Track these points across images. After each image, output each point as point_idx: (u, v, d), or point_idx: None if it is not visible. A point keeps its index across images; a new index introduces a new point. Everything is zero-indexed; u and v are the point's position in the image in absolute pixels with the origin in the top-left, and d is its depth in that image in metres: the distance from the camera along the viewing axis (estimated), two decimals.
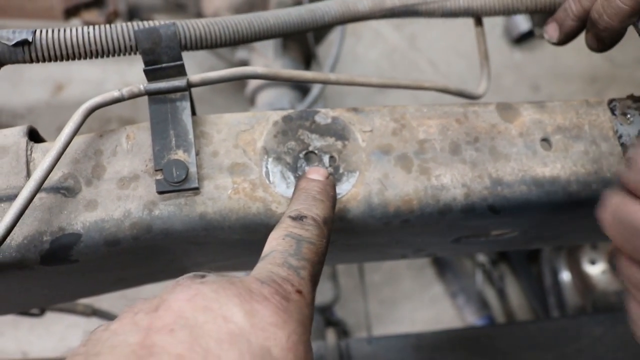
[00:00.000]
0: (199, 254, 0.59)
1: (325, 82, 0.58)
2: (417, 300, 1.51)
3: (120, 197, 0.52)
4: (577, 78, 1.63)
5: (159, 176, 0.51)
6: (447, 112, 0.57)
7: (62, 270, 0.54)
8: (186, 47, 0.57)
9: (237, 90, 1.39)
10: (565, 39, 0.62)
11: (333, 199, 0.50)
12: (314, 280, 0.43)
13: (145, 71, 0.53)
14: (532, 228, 0.62)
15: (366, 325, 1.41)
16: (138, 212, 0.51)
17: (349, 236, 0.57)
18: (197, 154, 0.53)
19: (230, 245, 0.56)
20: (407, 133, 0.55)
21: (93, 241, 0.51)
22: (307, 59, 1.33)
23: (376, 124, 0.55)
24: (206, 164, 0.53)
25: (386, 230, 0.56)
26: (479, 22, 0.69)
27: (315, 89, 1.23)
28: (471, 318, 1.48)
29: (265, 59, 1.24)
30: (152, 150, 0.51)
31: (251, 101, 1.29)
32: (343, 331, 1.27)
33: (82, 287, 0.67)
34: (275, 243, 0.44)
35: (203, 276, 0.41)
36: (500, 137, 0.56)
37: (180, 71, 0.53)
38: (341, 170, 0.53)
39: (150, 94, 0.52)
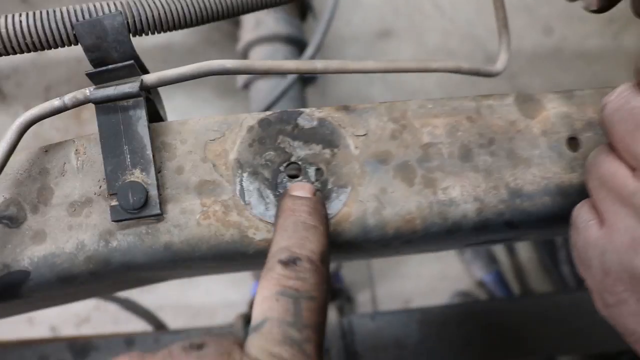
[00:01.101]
0: (174, 273, 0.50)
1: (310, 73, 0.47)
2: (423, 256, 1.44)
3: (71, 226, 0.43)
4: (592, 19, 1.47)
5: (114, 202, 0.42)
6: (457, 108, 0.46)
7: (19, 302, 0.47)
8: (142, 32, 0.46)
9: (229, 46, 1.26)
10: (607, 5, 0.49)
11: (325, 220, 0.40)
12: (320, 351, 0.34)
13: (88, 75, 0.42)
14: (556, 232, 0.53)
15: (370, 284, 1.35)
16: (93, 243, 0.42)
17: (338, 255, 0.48)
18: (158, 171, 0.43)
19: (209, 268, 0.48)
20: (408, 136, 0.45)
21: (44, 278, 0.42)
22: (303, 11, 1.19)
23: (371, 126, 0.45)
24: (170, 183, 0.43)
25: (384, 250, 0.47)
26: None
27: (314, 41, 1.10)
28: (479, 273, 1.41)
29: (257, 13, 1.11)
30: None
31: (243, 56, 1.17)
32: (347, 297, 1.21)
33: (58, 301, 0.59)
34: (267, 307, 0.35)
35: (200, 346, 0.33)
36: (519, 137, 0.46)
37: (133, 71, 0.42)
38: (330, 186, 0.43)
39: (96, 102, 0.42)
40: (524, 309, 0.90)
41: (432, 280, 1.41)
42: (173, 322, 1.11)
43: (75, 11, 0.43)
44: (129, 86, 0.42)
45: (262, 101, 1.07)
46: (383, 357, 0.87)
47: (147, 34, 0.46)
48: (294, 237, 0.37)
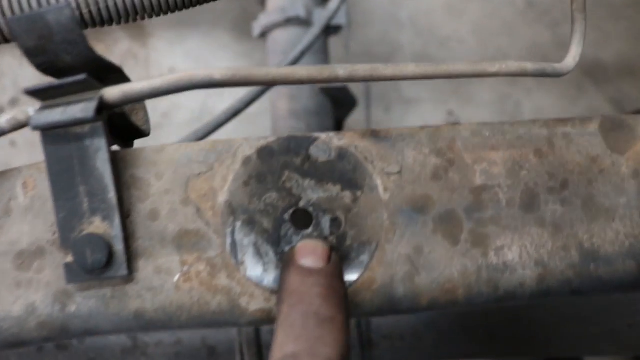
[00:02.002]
0: None
1: (326, 81, 0.34)
2: None
3: (19, 282, 0.32)
4: None
5: (69, 258, 0.31)
6: (523, 137, 0.33)
7: None
8: (104, 23, 0.33)
9: None
10: None
11: (345, 302, 0.29)
12: None
13: (29, 92, 0.30)
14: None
15: None
16: (46, 307, 0.32)
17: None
18: (126, 216, 0.32)
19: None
20: (456, 175, 0.32)
21: None
22: None
23: (408, 160, 0.33)
24: (141, 232, 0.32)
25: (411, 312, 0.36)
26: None
27: None
28: None
29: None
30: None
31: (261, 3, 1.01)
32: None
33: None
34: None
35: None
36: (602, 180, 0.33)
37: (89, 83, 0.30)
38: (349, 242, 0.32)
39: (41, 128, 0.30)
40: (555, 304, 0.79)
41: None
42: None
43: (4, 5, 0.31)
44: (82, 108, 0.29)
45: (280, 54, 0.93)
46: (400, 346, 0.79)
47: (110, 25, 0.34)
48: (303, 337, 0.27)
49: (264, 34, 0.98)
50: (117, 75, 0.35)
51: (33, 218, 0.33)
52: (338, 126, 1.00)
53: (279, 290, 0.29)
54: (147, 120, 0.39)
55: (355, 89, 0.98)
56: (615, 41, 1.26)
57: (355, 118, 1.02)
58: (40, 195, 0.33)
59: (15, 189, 0.33)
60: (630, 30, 1.26)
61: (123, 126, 0.36)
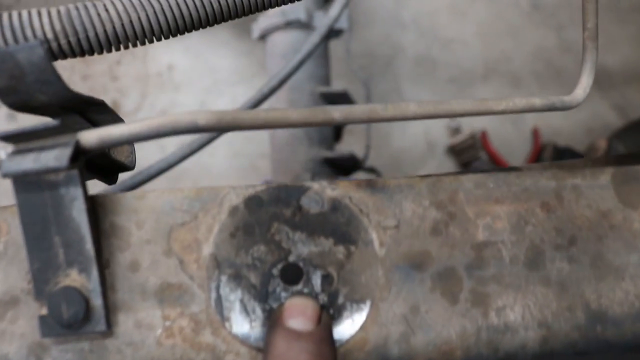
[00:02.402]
0: None
1: (320, 124, 0.31)
2: None
3: None
4: None
5: (43, 311, 0.29)
6: (529, 189, 0.30)
7: None
8: (84, 54, 0.31)
9: None
10: None
11: None
12: None
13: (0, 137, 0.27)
14: None
15: None
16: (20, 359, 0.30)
17: None
18: (105, 266, 0.29)
19: None
20: (457, 230, 0.30)
21: None
22: None
23: (406, 213, 0.30)
24: (121, 284, 0.30)
25: None
26: None
27: None
28: None
29: None
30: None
31: None
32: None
33: None
34: None
35: None
36: (612, 236, 0.30)
37: (65, 127, 0.28)
38: (341, 300, 0.30)
39: (12, 176, 0.27)
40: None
41: None
42: None
43: None
44: (56, 156, 0.27)
45: (279, 57, 0.90)
46: None
47: (91, 55, 0.31)
48: None
49: (263, 37, 0.95)
50: (98, 107, 0.33)
51: (6, 265, 0.30)
52: (337, 132, 0.97)
53: (263, 352, 0.27)
54: (131, 153, 0.36)
55: (356, 93, 0.95)
56: (621, 46, 1.22)
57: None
58: (14, 241, 0.30)
59: None
60: (636, 35, 1.22)
61: (104, 163, 0.33)
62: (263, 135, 0.94)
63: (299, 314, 0.27)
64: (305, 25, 0.90)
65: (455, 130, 1.18)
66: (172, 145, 1.13)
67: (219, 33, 1.19)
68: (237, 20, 0.36)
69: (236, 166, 1.11)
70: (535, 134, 1.17)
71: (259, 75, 1.16)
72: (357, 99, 0.91)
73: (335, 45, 1.00)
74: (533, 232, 0.30)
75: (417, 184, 0.30)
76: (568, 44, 1.21)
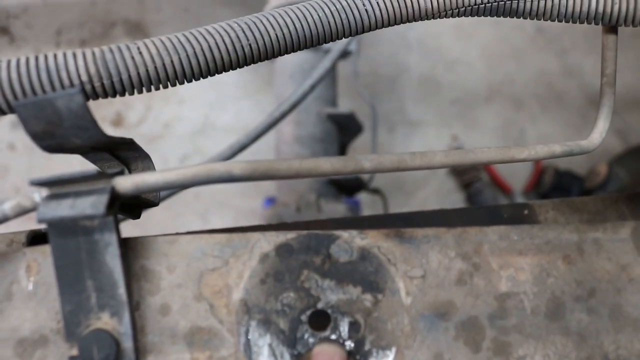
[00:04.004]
0: None
1: (351, 173, 0.32)
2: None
3: None
4: None
5: (74, 352, 0.29)
6: (552, 242, 0.32)
7: None
8: (121, 94, 0.31)
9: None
10: None
11: None
12: None
13: (35, 183, 0.28)
14: None
15: None
16: None
17: None
18: (136, 309, 0.30)
19: None
20: (481, 281, 0.31)
21: None
22: None
23: (432, 264, 0.31)
24: (151, 327, 0.30)
25: None
26: (612, 30, 0.40)
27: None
28: None
29: None
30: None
31: None
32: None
33: None
34: None
35: None
36: (631, 289, 0.32)
37: (100, 174, 0.28)
38: (367, 346, 0.30)
39: (48, 222, 0.28)
40: None
41: None
42: None
43: (18, 76, 0.28)
44: (92, 203, 0.28)
45: (288, 77, 0.91)
46: None
47: (122, 96, 0.32)
48: None
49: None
50: (127, 145, 0.33)
51: (36, 304, 0.31)
52: (342, 149, 0.98)
53: None
54: (157, 199, 0.37)
55: (360, 111, 0.96)
56: (622, 71, 1.24)
57: (359, 139, 1.00)
58: (44, 281, 0.31)
59: (18, 272, 0.31)
60: (637, 60, 1.25)
61: (131, 201, 0.34)
62: (268, 151, 0.95)
63: (326, 357, 0.28)
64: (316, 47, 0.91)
65: None
66: (175, 158, 1.14)
67: None
68: None
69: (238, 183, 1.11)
70: None
71: (263, 91, 1.17)
72: (362, 118, 0.92)
73: (342, 65, 1.01)
74: (554, 283, 0.31)
75: (444, 235, 0.31)
76: (570, 69, 1.23)
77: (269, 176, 0.30)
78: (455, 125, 1.18)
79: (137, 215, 0.38)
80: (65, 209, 0.28)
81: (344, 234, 0.31)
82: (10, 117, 1.15)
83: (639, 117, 1.22)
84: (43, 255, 0.31)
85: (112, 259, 0.29)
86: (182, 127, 1.14)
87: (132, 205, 0.36)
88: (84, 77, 0.30)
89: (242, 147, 0.69)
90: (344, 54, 0.95)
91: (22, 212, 0.29)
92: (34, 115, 0.27)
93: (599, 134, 0.40)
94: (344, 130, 0.93)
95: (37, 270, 0.31)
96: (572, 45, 1.23)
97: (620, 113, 1.22)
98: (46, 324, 0.31)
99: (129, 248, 0.30)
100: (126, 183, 0.29)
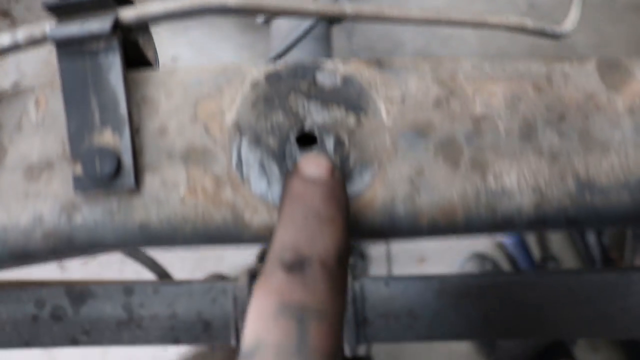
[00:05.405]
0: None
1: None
2: None
3: (28, 193, 0.33)
4: None
5: (78, 168, 0.32)
6: (522, 72, 0.35)
7: None
8: None
9: None
10: None
11: (346, 209, 0.30)
12: None
13: (47, 6, 0.31)
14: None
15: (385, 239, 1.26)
16: (53, 217, 0.33)
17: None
18: (135, 132, 0.33)
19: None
20: (457, 104, 0.34)
21: None
22: None
23: (411, 89, 0.34)
24: (149, 147, 0.33)
25: (411, 237, 0.37)
26: None
27: None
28: (499, 235, 1.31)
29: None
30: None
31: None
32: (361, 254, 1.13)
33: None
34: (262, 327, 0.25)
35: None
36: (598, 115, 0.34)
37: (105, 2, 0.32)
38: (351, 162, 0.33)
39: (58, 42, 0.31)
40: (548, 286, 0.80)
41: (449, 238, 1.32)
42: (180, 267, 1.05)
43: None
44: (99, 24, 0.31)
45: (284, 40, 0.95)
46: (394, 326, 0.79)
47: None
48: (303, 231, 0.28)
49: (267, 20, 1.00)
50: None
51: (44, 134, 0.34)
52: None
53: (281, 197, 0.30)
54: (155, 53, 0.40)
55: None
56: (614, 45, 1.29)
57: None
58: (52, 113, 0.34)
59: (28, 106, 0.34)
60: (630, 34, 1.29)
61: (133, 55, 0.37)
62: None
63: (313, 164, 0.31)
64: None
65: None
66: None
67: (222, 27, 1.24)
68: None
69: None
70: None
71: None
72: None
73: (338, 36, 1.06)
74: (526, 108, 0.34)
75: (421, 64, 0.34)
76: (562, 44, 1.27)
77: (258, 9, 0.33)
78: None
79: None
80: (74, 29, 0.31)
81: (329, 63, 0.34)
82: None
83: None
84: (51, 89, 0.34)
85: (116, 79, 0.32)
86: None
87: (135, 63, 0.39)
88: None
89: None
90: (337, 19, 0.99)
91: (33, 40, 0.32)
92: None
93: (570, 22, 0.44)
94: None
95: (46, 103, 0.34)
96: (564, 19, 1.27)
97: None
98: (52, 151, 0.34)
99: (130, 79, 0.34)
100: (129, 12, 0.32)
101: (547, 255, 1.32)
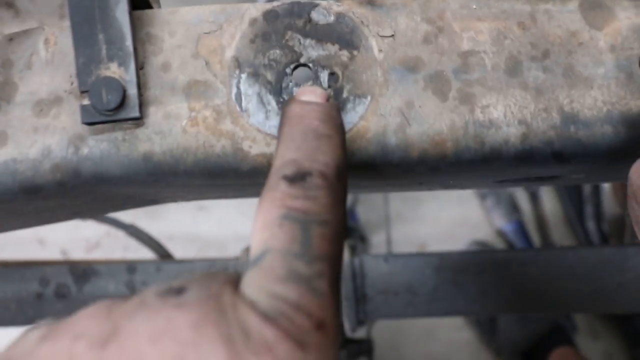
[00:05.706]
0: (161, 192, 0.43)
1: None
2: (443, 199, 1.36)
3: (37, 128, 0.35)
4: None
5: (85, 100, 0.34)
6: (507, 11, 0.36)
7: None
8: None
9: None
10: None
11: (342, 129, 0.31)
12: (336, 290, 0.26)
13: None
14: (607, 171, 0.44)
15: (386, 225, 1.28)
16: (61, 150, 0.35)
17: (351, 181, 0.40)
18: (140, 67, 0.35)
19: (198, 187, 0.40)
20: (445, 41, 0.36)
21: (5, 187, 0.35)
22: None
23: (401, 26, 0.36)
24: (153, 82, 0.35)
25: (405, 178, 0.38)
26: None
27: None
28: (499, 221, 1.33)
29: None
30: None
31: None
32: (361, 237, 1.15)
33: (31, 219, 0.52)
34: (268, 234, 0.26)
35: (180, 291, 0.25)
36: (581, 52, 0.36)
37: None
38: (345, 94, 0.35)
39: None
40: (546, 262, 0.82)
41: (450, 225, 1.33)
42: (183, 253, 1.06)
43: None
44: None
45: None
46: (394, 302, 0.81)
47: None
48: (302, 147, 0.29)
49: None
50: None
51: (53, 70, 0.36)
52: None
53: (280, 120, 0.32)
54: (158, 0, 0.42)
55: None
56: None
57: None
58: (61, 50, 0.36)
59: (38, 44, 0.36)
60: None
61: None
62: None
63: (310, 92, 0.32)
64: None
65: None
66: None
67: None
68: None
69: None
70: None
71: None
72: None
73: None
74: (511, 45, 0.36)
75: (410, 4, 0.36)
76: None
77: None
78: None
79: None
80: None
81: (322, 2, 0.36)
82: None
83: None
84: (60, 30, 0.36)
85: (122, 14, 0.34)
86: None
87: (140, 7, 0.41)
88: None
89: None
90: None
91: None
92: None
93: None
94: None
95: (55, 41, 0.36)
96: None
97: None
98: (61, 87, 0.35)
99: (135, 18, 0.35)
100: None
101: (547, 242, 1.33)
